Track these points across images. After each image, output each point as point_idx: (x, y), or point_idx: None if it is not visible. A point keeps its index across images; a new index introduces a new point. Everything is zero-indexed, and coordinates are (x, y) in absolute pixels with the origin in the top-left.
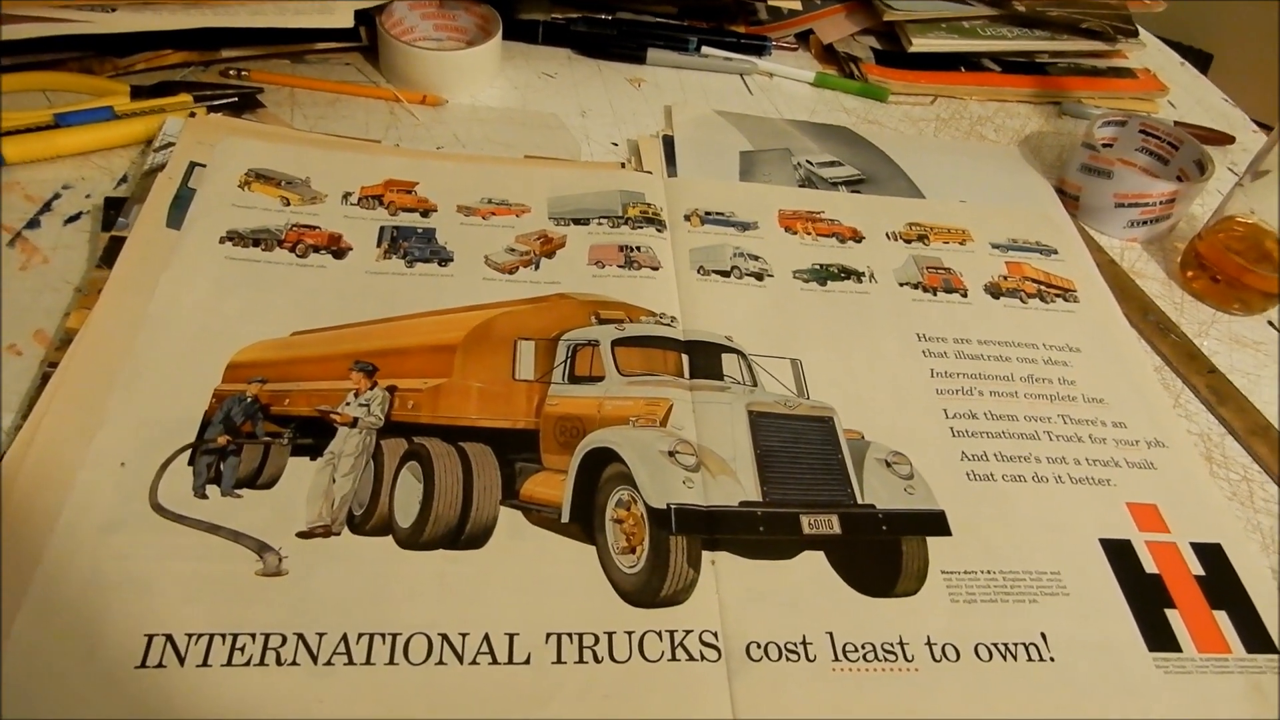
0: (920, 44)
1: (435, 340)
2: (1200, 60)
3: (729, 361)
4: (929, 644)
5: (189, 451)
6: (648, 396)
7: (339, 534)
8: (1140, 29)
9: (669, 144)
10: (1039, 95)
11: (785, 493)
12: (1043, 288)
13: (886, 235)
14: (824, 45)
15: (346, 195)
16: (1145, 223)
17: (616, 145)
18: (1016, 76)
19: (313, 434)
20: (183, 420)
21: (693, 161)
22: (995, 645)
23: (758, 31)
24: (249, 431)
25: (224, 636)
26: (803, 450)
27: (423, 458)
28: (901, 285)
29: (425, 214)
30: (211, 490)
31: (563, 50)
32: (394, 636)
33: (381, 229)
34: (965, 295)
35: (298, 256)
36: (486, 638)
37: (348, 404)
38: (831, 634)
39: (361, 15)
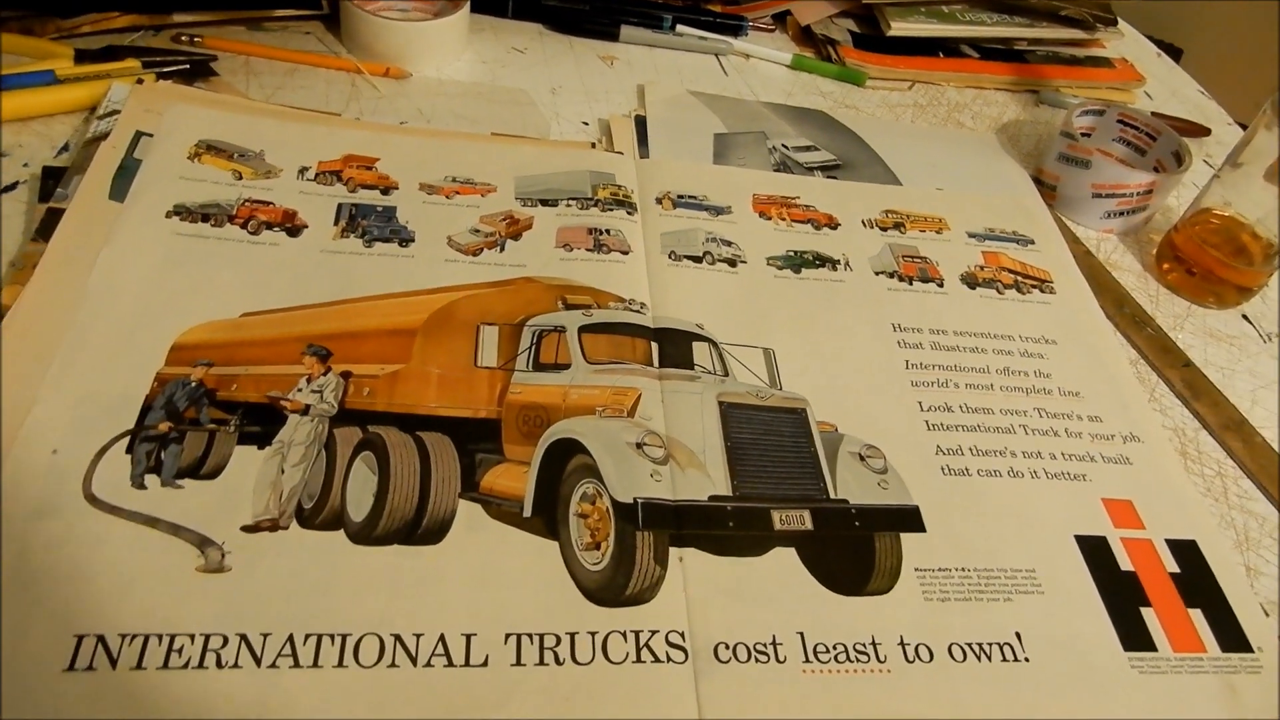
0: (899, 28)
1: (393, 324)
2: (1171, 55)
3: (700, 350)
4: (902, 644)
5: (127, 438)
6: (615, 385)
7: (287, 528)
8: (1118, 19)
9: (641, 124)
10: (1017, 83)
11: (756, 487)
12: (1019, 279)
13: (862, 222)
14: (801, 27)
15: (303, 170)
16: (1122, 214)
17: (587, 124)
18: (995, 63)
19: (261, 421)
20: (121, 405)
21: (665, 143)
22: (969, 645)
23: (734, 11)
24: (193, 418)
25: (160, 637)
26: (774, 443)
27: (378, 447)
28: (877, 274)
29: (386, 191)
30: (150, 480)
31: (534, 25)
32: (343, 637)
33: (339, 206)
34: (941, 285)
35: (249, 233)
36: (442, 638)
37: (299, 390)
38: (802, 634)
39: None
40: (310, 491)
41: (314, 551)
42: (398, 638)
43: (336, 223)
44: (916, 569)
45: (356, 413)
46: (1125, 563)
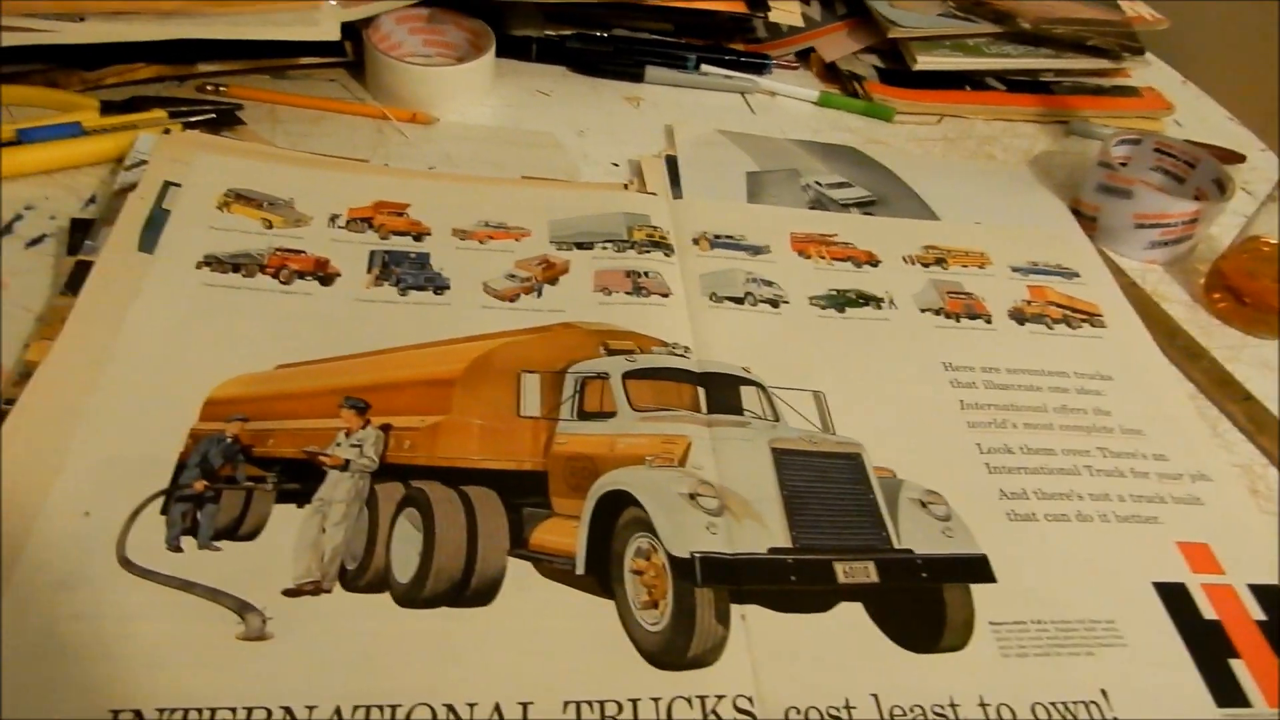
0: (925, 62)
1: (432, 374)
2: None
3: (748, 395)
4: (982, 705)
5: (161, 499)
6: (663, 434)
7: (330, 591)
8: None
9: (672, 164)
10: (1045, 114)
11: (816, 537)
12: (1068, 313)
13: (903, 259)
14: (825, 64)
15: (334, 218)
16: (1166, 244)
17: (617, 166)
18: (1022, 95)
19: (300, 478)
20: (154, 463)
21: (697, 183)
22: (1054, 705)
23: (757, 49)
24: (229, 475)
25: (200, 711)
26: (832, 490)
27: (421, 504)
28: (923, 311)
29: (418, 238)
30: (187, 542)
31: (557, 67)
32: (394, 708)
33: (372, 254)
34: (989, 321)
35: (281, 283)
36: (498, 708)
37: (338, 444)
38: (876, 696)
39: (347, 30)
40: (353, 552)
41: (359, 616)
42: (450, 708)
43: (369, 271)
44: (991, 622)
45: (398, 467)
46: (1208, 611)
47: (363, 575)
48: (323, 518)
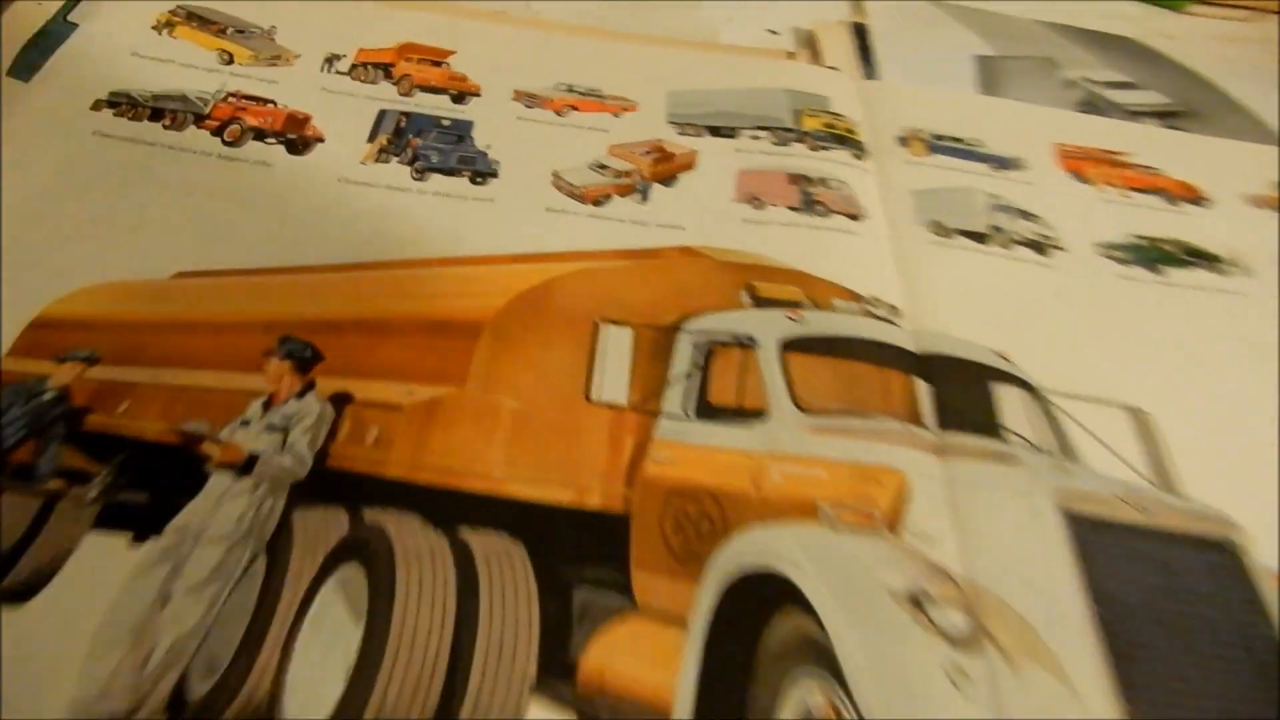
0: None
1: (441, 311)
2: None
3: (1008, 398)
4: None
5: None
6: (857, 462)
7: None
8: None
9: (861, 35)
10: None
11: (1171, 708)
12: None
13: (1244, 198)
14: None
15: (332, 59)
16: None
17: (776, 34)
18: None
19: (152, 481)
20: None
21: (900, 63)
22: None
23: None
24: (22, 464)
25: None
26: (1186, 609)
27: (375, 556)
28: None
29: (459, 98)
30: None
31: None
32: None
33: (381, 114)
34: None
35: (224, 143)
36: None
37: (244, 422)
38: None
39: None
40: (211, 656)
41: None
42: None
43: (373, 138)
44: None
45: (345, 477)
46: None
47: (223, 703)
48: (172, 570)
